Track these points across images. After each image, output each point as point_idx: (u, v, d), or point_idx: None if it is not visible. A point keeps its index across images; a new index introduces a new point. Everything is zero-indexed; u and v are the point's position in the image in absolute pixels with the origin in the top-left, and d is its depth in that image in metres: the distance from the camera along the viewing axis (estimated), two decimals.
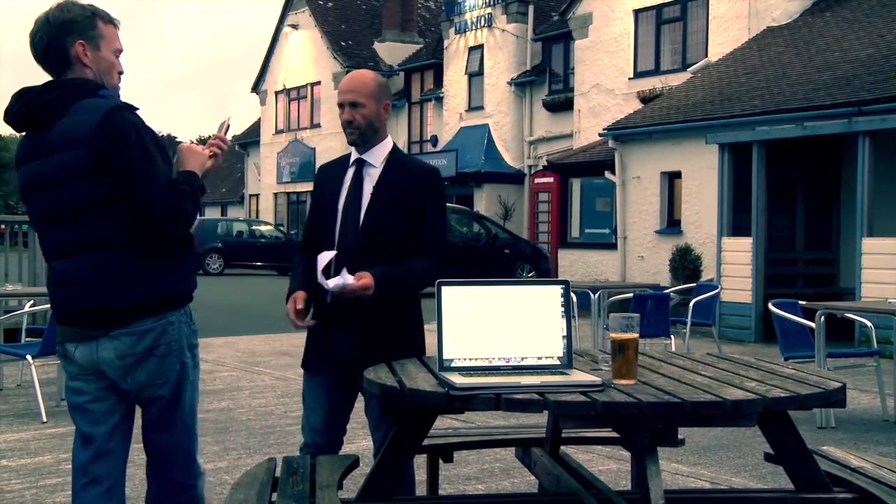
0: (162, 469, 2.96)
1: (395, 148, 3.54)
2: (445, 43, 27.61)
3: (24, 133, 2.83)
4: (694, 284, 11.99)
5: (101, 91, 2.76)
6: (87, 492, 2.93)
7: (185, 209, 2.75)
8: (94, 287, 2.75)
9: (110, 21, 2.83)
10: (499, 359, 2.78)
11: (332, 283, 3.19)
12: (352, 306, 3.29)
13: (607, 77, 20.86)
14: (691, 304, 10.18)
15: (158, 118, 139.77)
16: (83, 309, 2.78)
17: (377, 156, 3.47)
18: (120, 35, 2.85)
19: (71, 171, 2.68)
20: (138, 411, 2.96)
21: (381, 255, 3.33)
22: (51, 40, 2.74)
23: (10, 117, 2.79)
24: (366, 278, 3.20)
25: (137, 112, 2.77)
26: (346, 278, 3.18)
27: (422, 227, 3.39)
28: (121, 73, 2.87)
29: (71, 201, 2.71)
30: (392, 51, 31.85)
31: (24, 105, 2.75)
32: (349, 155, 3.55)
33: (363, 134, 3.43)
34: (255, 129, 39.00)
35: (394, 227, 3.37)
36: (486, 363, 2.77)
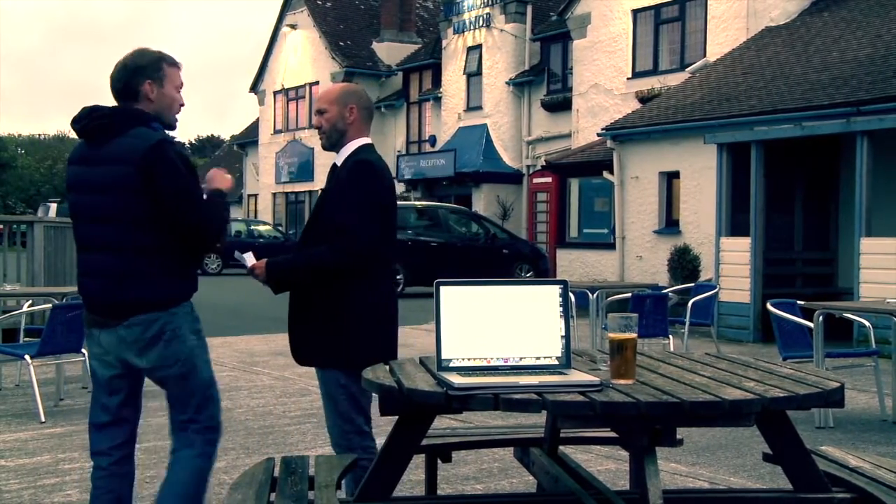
0: (198, 427, 3.45)
1: (360, 148, 3.68)
2: (444, 43, 27.61)
3: (81, 139, 3.43)
4: (692, 284, 12.01)
5: (154, 123, 3.35)
6: (101, 446, 3.45)
7: (222, 219, 3.46)
8: (115, 282, 3.31)
9: (174, 63, 3.45)
10: (497, 359, 2.78)
11: (245, 257, 3.72)
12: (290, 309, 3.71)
13: (606, 77, 20.87)
14: (690, 303, 10.18)
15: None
16: (104, 302, 3.35)
17: (342, 157, 3.70)
18: (181, 73, 3.49)
19: (116, 182, 3.26)
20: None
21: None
22: (127, 81, 3.37)
23: (78, 125, 3.38)
24: (259, 263, 3.65)
25: (177, 143, 3.41)
26: (247, 259, 3.69)
27: (335, 216, 3.58)
28: (181, 105, 3.48)
29: (109, 207, 3.28)
30: (390, 51, 31.85)
31: (94, 120, 3.34)
32: None
33: (329, 137, 3.71)
34: (253, 129, 39.00)
35: (327, 222, 3.62)
36: (484, 363, 2.77)
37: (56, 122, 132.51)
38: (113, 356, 3.36)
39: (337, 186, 3.63)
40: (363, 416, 3.63)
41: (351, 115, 3.67)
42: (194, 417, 3.43)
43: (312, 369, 3.79)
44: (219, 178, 3.54)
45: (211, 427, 3.46)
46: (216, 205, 3.44)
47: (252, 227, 30.27)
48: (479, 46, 26.24)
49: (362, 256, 3.52)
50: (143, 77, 3.36)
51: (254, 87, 36.54)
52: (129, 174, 3.23)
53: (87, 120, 3.35)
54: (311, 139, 32.66)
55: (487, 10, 25.91)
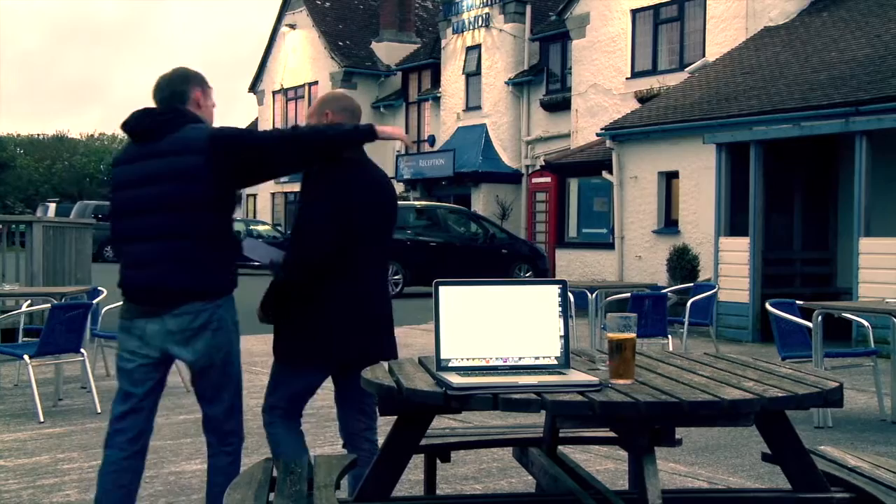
0: (218, 424, 3.64)
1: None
2: (443, 43, 27.61)
3: (129, 140, 3.60)
4: (691, 284, 12.01)
5: (197, 120, 3.54)
6: (117, 437, 3.52)
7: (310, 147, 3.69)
8: (168, 270, 3.40)
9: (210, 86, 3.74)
10: (496, 359, 2.78)
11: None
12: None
13: (605, 77, 20.87)
14: (689, 303, 10.18)
15: None
16: (157, 287, 3.42)
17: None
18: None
19: (181, 171, 3.39)
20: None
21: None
22: (178, 87, 3.57)
23: (128, 127, 3.54)
24: None
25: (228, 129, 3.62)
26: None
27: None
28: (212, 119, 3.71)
29: (171, 195, 3.39)
30: (389, 51, 31.84)
31: (148, 121, 3.50)
32: None
33: None
34: (252, 129, 38.95)
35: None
36: (483, 363, 2.77)
37: (56, 122, 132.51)
38: (154, 347, 3.46)
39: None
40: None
41: (326, 119, 3.76)
42: (226, 416, 3.65)
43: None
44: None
45: (240, 428, 3.74)
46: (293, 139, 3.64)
47: (251, 227, 30.27)
48: (479, 46, 26.24)
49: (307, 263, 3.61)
50: (196, 85, 3.62)
51: (253, 87, 36.54)
52: (196, 163, 3.38)
53: (142, 120, 3.52)
54: None
55: (486, 10, 25.92)
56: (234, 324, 3.60)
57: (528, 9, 25.47)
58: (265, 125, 35.70)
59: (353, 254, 3.64)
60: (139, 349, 3.47)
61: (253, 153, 3.47)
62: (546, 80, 24.64)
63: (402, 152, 29.78)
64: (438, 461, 3.82)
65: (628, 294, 9.56)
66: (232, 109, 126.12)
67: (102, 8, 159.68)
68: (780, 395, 2.61)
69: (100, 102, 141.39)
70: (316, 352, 3.65)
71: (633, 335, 2.72)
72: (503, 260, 20.10)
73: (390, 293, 4.08)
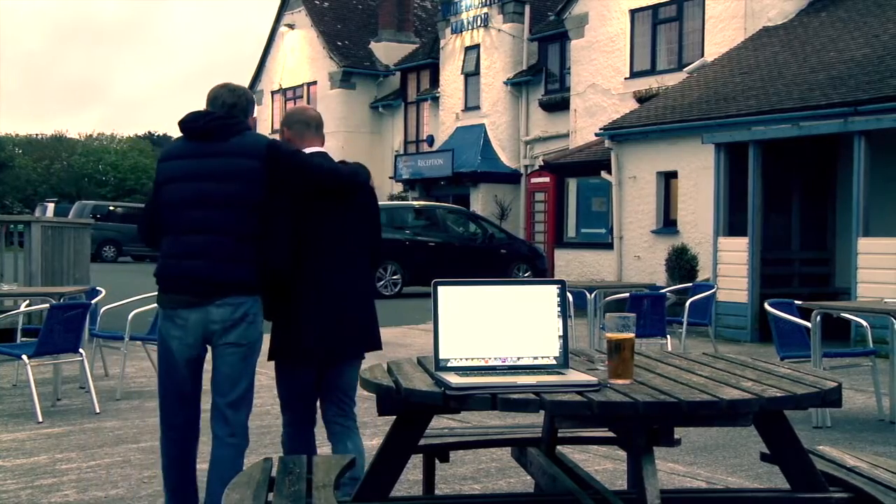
0: (228, 415, 3.81)
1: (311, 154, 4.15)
2: (442, 43, 27.61)
3: (181, 137, 3.92)
4: (690, 284, 12.01)
5: (251, 130, 3.97)
6: (172, 423, 3.90)
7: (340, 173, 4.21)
8: (217, 264, 3.70)
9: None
10: (495, 359, 2.78)
11: None
12: None
13: (603, 77, 20.87)
14: (687, 303, 10.18)
15: (163, 118, 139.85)
16: (204, 281, 3.69)
17: None
18: None
19: (239, 173, 3.74)
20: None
21: None
22: (242, 101, 3.95)
23: (191, 125, 3.85)
24: None
25: (283, 143, 4.05)
26: None
27: None
28: None
29: (228, 194, 3.72)
30: (388, 51, 31.83)
31: (213, 123, 3.82)
32: None
33: None
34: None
35: None
36: (482, 363, 2.77)
37: (57, 122, 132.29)
38: (195, 336, 3.75)
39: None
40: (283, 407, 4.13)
41: (283, 137, 4.14)
42: (236, 402, 3.81)
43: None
44: None
45: (246, 417, 3.89)
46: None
47: None
48: (477, 46, 26.24)
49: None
50: (254, 108, 4.15)
51: (251, 87, 36.52)
52: (253, 167, 3.75)
53: (205, 121, 3.84)
54: None
55: (485, 9, 25.91)
56: (261, 321, 3.86)
57: (527, 9, 25.47)
58: (264, 125, 35.71)
59: (316, 259, 3.91)
60: (184, 338, 3.75)
61: (297, 169, 3.87)
62: (545, 80, 24.64)
63: (401, 152, 29.78)
64: (437, 461, 3.82)
65: (627, 294, 9.57)
66: None
67: (103, 8, 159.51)
68: (778, 395, 2.61)
69: (100, 102, 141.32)
70: (288, 350, 3.94)
71: (632, 335, 2.72)
72: (502, 260, 20.09)
73: (372, 292, 4.25)
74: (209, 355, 3.85)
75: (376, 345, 4.11)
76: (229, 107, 3.90)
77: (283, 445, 4.14)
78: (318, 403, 4.15)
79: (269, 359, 4.00)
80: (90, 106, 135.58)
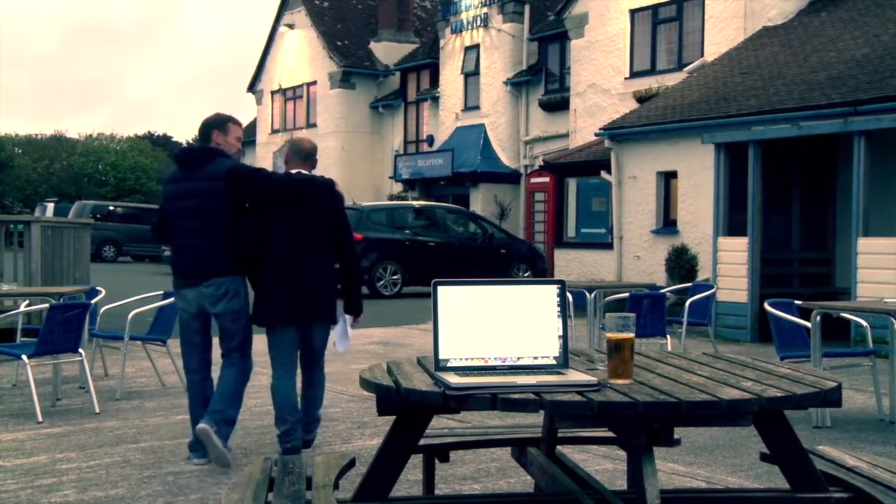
0: (227, 350, 5.40)
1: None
2: (441, 43, 27.62)
3: (176, 167, 5.48)
4: (690, 284, 12.01)
5: (223, 155, 5.36)
6: (191, 368, 5.47)
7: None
8: (203, 257, 5.23)
9: (237, 123, 5.54)
10: (495, 359, 2.78)
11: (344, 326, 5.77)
12: None
13: (603, 77, 20.87)
14: (687, 303, 10.18)
15: (167, 119, 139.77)
16: (195, 269, 5.26)
17: None
18: (238, 129, 5.55)
19: (212, 192, 5.19)
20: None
21: None
22: (202, 131, 5.45)
23: (179, 158, 5.49)
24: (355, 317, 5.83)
25: (241, 164, 5.58)
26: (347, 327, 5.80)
27: None
28: (238, 149, 5.54)
29: (205, 207, 5.21)
30: (388, 50, 31.84)
31: (191, 156, 5.41)
32: None
33: None
34: (251, 128, 38.98)
35: None
36: (482, 363, 2.77)
37: (65, 123, 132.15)
38: (194, 305, 5.31)
39: None
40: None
41: (284, 155, 5.69)
42: (234, 348, 5.34)
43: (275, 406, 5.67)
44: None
45: (245, 356, 5.41)
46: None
47: None
48: (477, 46, 26.24)
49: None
50: (214, 128, 5.42)
51: (251, 87, 36.52)
52: (220, 187, 5.18)
53: (187, 154, 5.47)
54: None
55: (485, 9, 25.91)
56: (244, 294, 5.31)
57: (527, 9, 25.47)
58: (264, 125, 35.73)
59: (283, 248, 5.30)
60: (187, 308, 5.34)
61: (255, 186, 5.33)
62: (545, 79, 24.64)
63: (401, 152, 29.78)
64: (437, 461, 3.81)
65: (627, 294, 9.56)
66: (231, 109, 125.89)
67: (114, 9, 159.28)
68: (778, 394, 2.61)
69: (108, 103, 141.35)
70: (259, 315, 5.38)
71: (632, 335, 2.72)
72: (502, 260, 20.10)
73: (332, 275, 5.51)
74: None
75: (330, 316, 5.53)
76: (200, 139, 5.48)
77: (272, 392, 5.49)
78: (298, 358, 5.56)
79: (252, 322, 5.39)
80: (99, 107, 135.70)
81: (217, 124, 5.41)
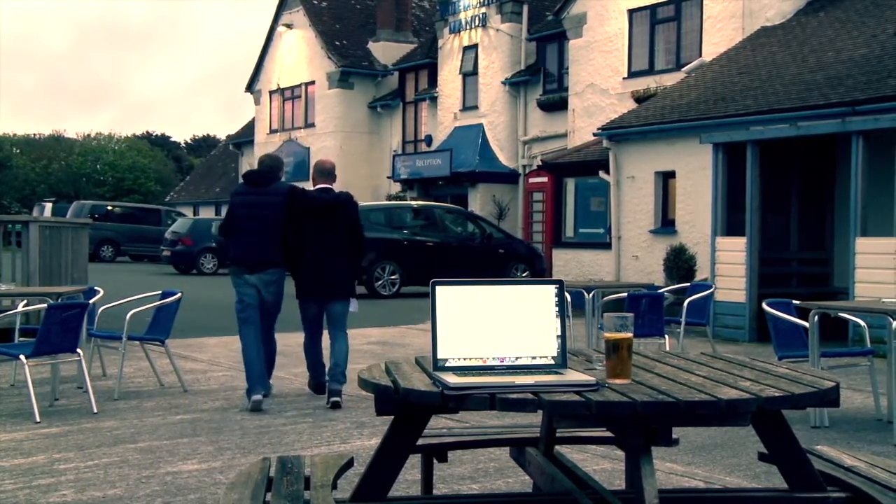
0: (267, 326, 7.38)
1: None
2: (440, 42, 27.62)
3: (244, 183, 7.55)
4: (688, 284, 11.99)
5: (279, 179, 7.48)
6: (249, 341, 7.21)
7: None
8: (264, 251, 7.16)
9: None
10: (493, 358, 2.78)
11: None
12: None
13: (602, 77, 20.88)
14: (685, 303, 10.18)
15: (167, 119, 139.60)
16: (257, 260, 7.15)
17: None
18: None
19: (275, 205, 7.20)
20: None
21: None
22: (276, 165, 7.56)
23: (249, 177, 7.48)
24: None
25: (298, 188, 7.53)
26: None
27: None
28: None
29: (267, 215, 7.15)
30: (386, 50, 31.83)
31: (263, 177, 7.36)
32: None
33: None
34: (249, 128, 38.96)
35: None
36: (480, 363, 2.77)
37: (69, 123, 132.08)
38: (254, 288, 7.16)
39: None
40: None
41: (311, 174, 7.74)
42: (272, 324, 7.43)
43: (306, 369, 7.75)
44: None
45: (271, 331, 7.48)
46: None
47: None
48: (475, 46, 26.24)
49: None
50: (281, 166, 7.64)
51: (249, 87, 36.51)
52: (280, 201, 7.20)
53: (257, 175, 7.39)
54: (307, 139, 32.68)
55: (483, 9, 25.92)
56: (284, 281, 7.25)
57: (525, 9, 25.47)
58: (262, 125, 35.72)
59: (316, 246, 7.22)
60: (248, 288, 7.14)
61: (304, 203, 7.24)
62: (543, 79, 24.65)
63: (399, 152, 29.77)
64: (435, 461, 3.81)
65: (625, 294, 9.57)
66: (231, 109, 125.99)
67: (118, 12, 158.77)
68: (776, 394, 2.61)
69: (108, 103, 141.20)
70: (300, 292, 7.34)
71: (630, 335, 2.72)
72: (500, 260, 20.10)
73: (351, 267, 7.47)
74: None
75: (351, 293, 7.42)
76: (269, 167, 7.41)
77: (304, 349, 7.57)
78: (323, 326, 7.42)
79: (297, 297, 7.33)
80: (97, 108, 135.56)
81: (282, 166, 7.70)
